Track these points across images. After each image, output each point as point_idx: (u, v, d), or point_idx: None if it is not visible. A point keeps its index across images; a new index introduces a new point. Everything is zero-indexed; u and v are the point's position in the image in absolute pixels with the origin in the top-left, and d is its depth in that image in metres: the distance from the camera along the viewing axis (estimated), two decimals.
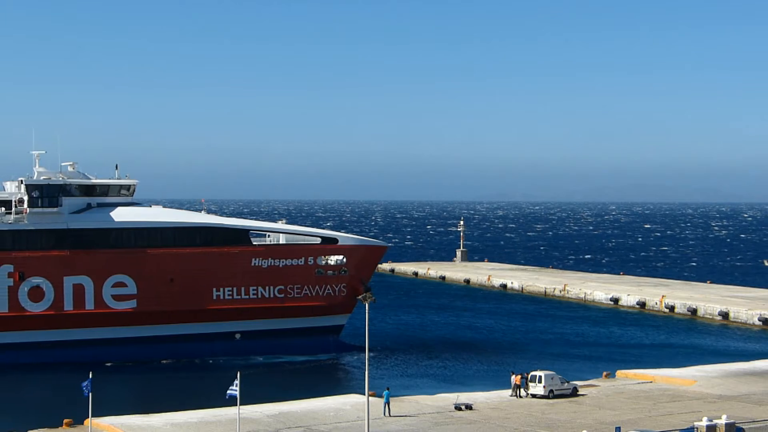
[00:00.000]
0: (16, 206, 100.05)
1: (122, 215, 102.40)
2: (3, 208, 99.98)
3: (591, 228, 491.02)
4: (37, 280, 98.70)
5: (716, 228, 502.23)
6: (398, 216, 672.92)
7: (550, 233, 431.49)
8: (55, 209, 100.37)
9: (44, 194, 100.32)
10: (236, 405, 61.99)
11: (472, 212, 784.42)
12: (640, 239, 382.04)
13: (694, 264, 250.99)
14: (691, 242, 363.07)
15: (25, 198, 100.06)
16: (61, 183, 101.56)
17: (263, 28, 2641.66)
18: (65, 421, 67.52)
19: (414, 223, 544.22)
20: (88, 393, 61.58)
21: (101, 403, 67.05)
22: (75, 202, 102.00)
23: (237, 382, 60.43)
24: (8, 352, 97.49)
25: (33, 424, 68.50)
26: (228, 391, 61.00)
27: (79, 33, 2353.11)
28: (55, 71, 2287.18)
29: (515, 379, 76.62)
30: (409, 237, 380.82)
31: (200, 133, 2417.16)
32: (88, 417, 63.78)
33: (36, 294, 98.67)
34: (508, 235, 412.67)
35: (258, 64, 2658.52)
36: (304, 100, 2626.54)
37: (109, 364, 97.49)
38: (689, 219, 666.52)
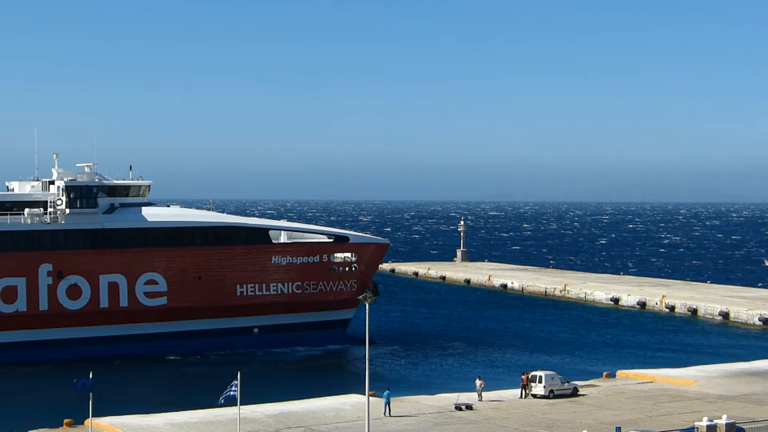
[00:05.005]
0: (52, 206, 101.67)
1: (151, 215, 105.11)
2: (41, 209, 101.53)
3: (593, 229, 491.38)
4: (74, 279, 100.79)
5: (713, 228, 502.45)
6: (396, 216, 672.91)
7: (550, 233, 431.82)
8: (93, 210, 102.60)
9: (83, 195, 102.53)
10: (236, 405, 62.03)
11: (471, 212, 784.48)
12: (633, 239, 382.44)
13: (691, 264, 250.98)
14: (692, 244, 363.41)
15: (63, 198, 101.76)
16: (98, 184, 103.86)
17: (261, 28, 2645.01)
18: (65, 421, 67.62)
19: (412, 223, 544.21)
20: (89, 391, 61.50)
21: (101, 403, 67.07)
22: (103, 202, 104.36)
23: (237, 382, 60.39)
24: (48, 349, 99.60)
25: (33, 424, 68.56)
26: (226, 396, 60.87)
27: (81, 33, 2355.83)
28: (55, 71, 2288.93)
29: (482, 383, 75.55)
30: (408, 237, 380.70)
31: (199, 133, 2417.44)
32: (88, 417, 63.82)
33: (74, 292, 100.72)
34: (505, 235, 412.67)
35: (249, 65, 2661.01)
36: (301, 100, 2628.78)
37: (112, 361, 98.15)
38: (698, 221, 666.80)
